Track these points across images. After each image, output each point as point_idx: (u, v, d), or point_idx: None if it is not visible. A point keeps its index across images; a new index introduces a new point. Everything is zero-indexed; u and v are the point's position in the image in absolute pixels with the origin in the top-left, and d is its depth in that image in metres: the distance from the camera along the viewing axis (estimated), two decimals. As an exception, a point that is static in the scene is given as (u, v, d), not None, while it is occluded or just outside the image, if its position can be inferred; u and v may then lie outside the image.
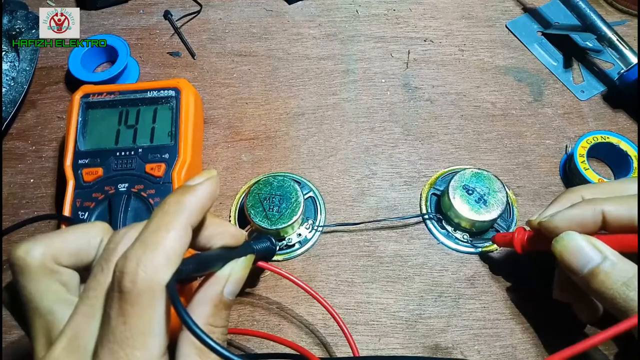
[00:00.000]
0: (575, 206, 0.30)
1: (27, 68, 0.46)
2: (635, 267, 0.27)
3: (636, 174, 0.39)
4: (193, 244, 0.23)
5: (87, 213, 0.35)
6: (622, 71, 0.44)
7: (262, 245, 0.29)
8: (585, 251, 0.28)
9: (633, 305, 0.26)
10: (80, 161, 0.37)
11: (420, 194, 0.41)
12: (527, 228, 0.34)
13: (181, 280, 0.20)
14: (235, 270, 0.24)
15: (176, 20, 0.51)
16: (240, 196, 0.41)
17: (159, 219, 0.20)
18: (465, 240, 0.39)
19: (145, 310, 0.19)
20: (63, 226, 0.35)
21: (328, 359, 0.34)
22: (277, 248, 0.37)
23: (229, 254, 0.24)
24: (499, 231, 0.39)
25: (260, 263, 0.29)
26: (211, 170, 0.23)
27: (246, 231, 0.39)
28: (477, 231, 0.39)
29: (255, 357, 0.33)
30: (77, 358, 0.19)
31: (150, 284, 0.19)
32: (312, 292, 0.32)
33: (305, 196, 0.39)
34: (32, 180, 0.42)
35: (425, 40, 0.49)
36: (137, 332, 0.19)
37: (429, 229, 0.39)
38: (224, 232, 0.24)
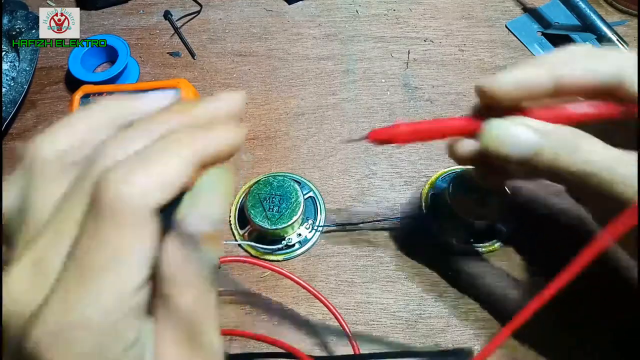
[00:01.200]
0: (529, 65, 0.25)
1: (27, 68, 0.46)
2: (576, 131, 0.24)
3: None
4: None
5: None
6: (622, 71, 0.44)
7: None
8: (520, 136, 0.24)
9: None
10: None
11: (420, 194, 0.41)
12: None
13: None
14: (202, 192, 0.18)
15: (176, 20, 0.51)
16: (240, 196, 0.41)
17: (166, 143, 0.17)
18: (466, 240, 0.39)
19: (127, 234, 0.16)
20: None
21: (324, 357, 0.34)
22: None
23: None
24: (499, 231, 0.39)
25: (261, 263, 0.29)
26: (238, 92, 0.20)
27: (246, 231, 0.39)
28: (477, 231, 0.39)
29: (252, 357, 0.33)
30: (38, 282, 0.16)
31: (138, 204, 0.16)
32: (314, 291, 0.32)
33: (305, 196, 0.39)
34: (32, 180, 0.42)
35: (425, 40, 0.49)
36: (113, 257, 0.16)
37: (429, 229, 0.39)
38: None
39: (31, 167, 0.18)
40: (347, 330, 0.32)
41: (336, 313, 0.32)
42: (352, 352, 0.32)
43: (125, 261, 0.16)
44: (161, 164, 0.16)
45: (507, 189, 0.38)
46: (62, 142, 0.18)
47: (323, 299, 0.32)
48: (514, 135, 0.25)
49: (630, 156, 0.23)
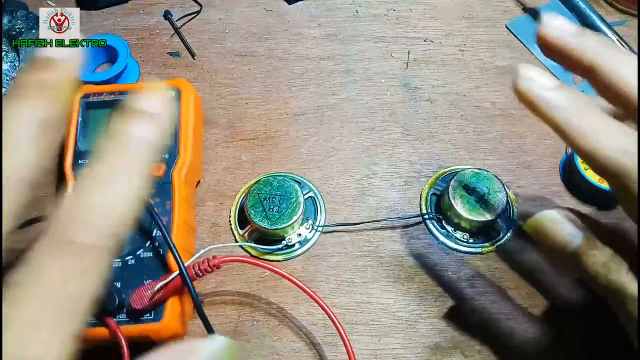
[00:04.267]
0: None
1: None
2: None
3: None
4: None
5: (87, 213, 0.35)
6: (622, 71, 0.44)
7: None
8: (566, 227, 0.25)
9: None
10: (80, 161, 0.37)
11: (420, 194, 0.41)
12: None
13: None
14: None
15: (176, 20, 0.51)
16: (240, 196, 0.41)
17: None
18: (465, 240, 0.39)
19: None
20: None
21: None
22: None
23: None
24: (499, 231, 0.39)
25: (261, 263, 0.29)
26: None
27: (246, 231, 0.39)
28: (477, 231, 0.39)
29: None
30: None
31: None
32: (311, 292, 0.32)
33: (305, 196, 0.39)
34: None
35: (425, 40, 0.49)
36: None
37: (429, 229, 0.39)
38: None
39: None
40: (342, 333, 0.32)
41: (331, 314, 0.32)
42: (346, 354, 0.32)
43: None
44: None
45: (507, 189, 0.38)
46: None
47: (320, 300, 0.32)
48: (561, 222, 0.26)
49: None
